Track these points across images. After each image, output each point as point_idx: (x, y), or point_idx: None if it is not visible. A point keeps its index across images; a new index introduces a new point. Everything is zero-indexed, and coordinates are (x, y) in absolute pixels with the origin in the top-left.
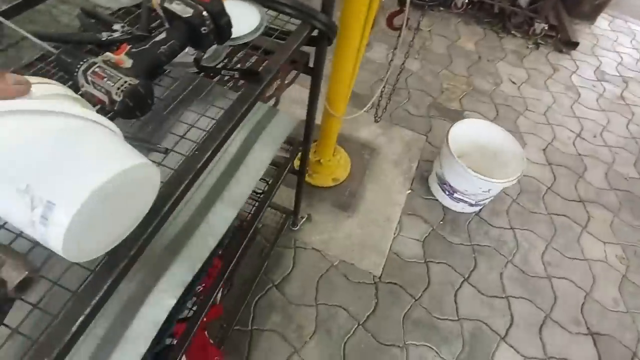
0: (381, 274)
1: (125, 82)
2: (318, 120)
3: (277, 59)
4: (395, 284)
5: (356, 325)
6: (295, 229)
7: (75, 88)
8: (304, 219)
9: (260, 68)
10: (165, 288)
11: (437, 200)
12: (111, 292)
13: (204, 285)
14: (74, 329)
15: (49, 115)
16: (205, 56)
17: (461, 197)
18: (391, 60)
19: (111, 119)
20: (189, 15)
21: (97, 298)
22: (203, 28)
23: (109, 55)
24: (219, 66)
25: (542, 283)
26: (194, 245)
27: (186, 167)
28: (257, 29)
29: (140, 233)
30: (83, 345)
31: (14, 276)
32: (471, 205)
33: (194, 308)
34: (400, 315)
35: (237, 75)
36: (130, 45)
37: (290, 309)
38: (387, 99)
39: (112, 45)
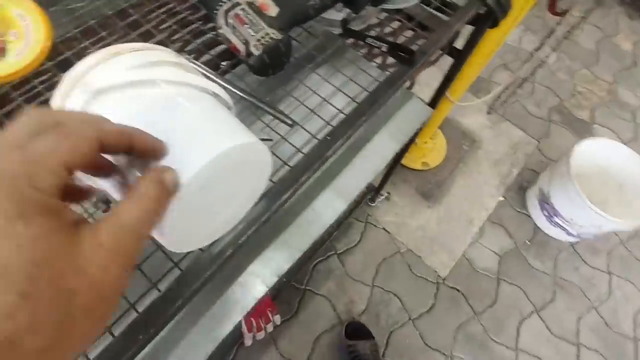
0: (446, 276)
1: (268, 34)
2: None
3: (436, 39)
4: (458, 290)
5: (407, 319)
6: (372, 204)
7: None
8: (383, 197)
9: (406, 44)
10: (258, 273)
11: (530, 217)
12: (215, 274)
13: None
14: (172, 309)
15: (143, 87)
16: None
17: (561, 224)
18: (537, 49)
19: (233, 66)
20: None
21: (201, 280)
22: None
23: None
24: (365, 31)
25: (626, 344)
26: (295, 232)
27: (316, 152)
28: None
29: (253, 220)
30: None
31: None
32: (569, 234)
33: None
34: (455, 324)
35: (384, 49)
36: None
37: (346, 281)
38: (512, 92)
39: None
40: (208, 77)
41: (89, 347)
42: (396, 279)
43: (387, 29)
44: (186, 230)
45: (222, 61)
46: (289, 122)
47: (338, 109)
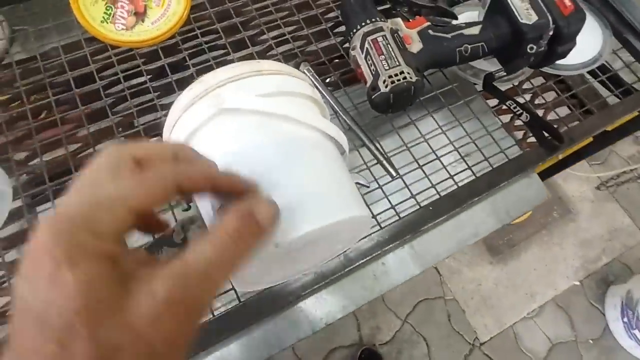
0: (485, 342)
1: (402, 73)
2: None
3: (590, 127)
4: None
5: None
6: None
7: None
8: None
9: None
10: (309, 313)
11: (603, 315)
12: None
13: None
14: (220, 338)
15: (270, 118)
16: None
17: None
18: None
19: (348, 82)
20: (528, 22)
21: (255, 319)
22: (531, 46)
23: (399, 23)
24: (508, 91)
25: None
26: (356, 283)
27: (413, 220)
28: (587, 63)
29: (321, 277)
30: None
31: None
32: None
33: None
34: None
35: (524, 119)
36: (429, 23)
37: (379, 307)
38: (636, 175)
39: (403, 5)
40: (326, 98)
41: None
42: (431, 325)
43: (530, 92)
44: (259, 274)
45: (337, 71)
46: (393, 173)
47: (448, 173)
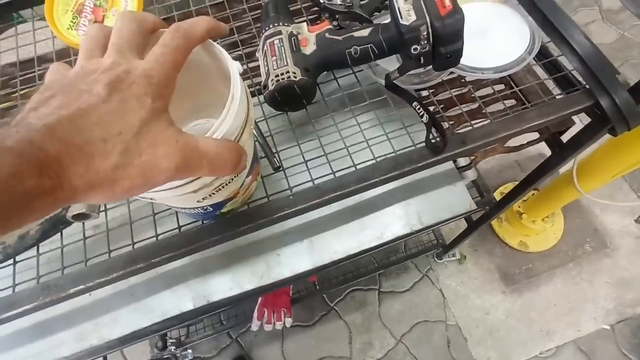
0: None
1: (287, 72)
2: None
3: (497, 129)
4: None
5: None
6: (439, 261)
7: None
8: (455, 258)
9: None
10: (194, 289)
11: None
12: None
13: None
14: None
15: None
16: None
17: None
18: None
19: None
20: (406, 23)
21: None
22: (414, 47)
23: (301, 28)
24: (416, 92)
25: None
26: (247, 268)
27: (276, 205)
28: (509, 65)
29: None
30: None
31: (76, 206)
32: None
33: None
34: None
35: (424, 120)
36: (331, 27)
37: (375, 322)
38: None
39: (325, 11)
40: None
41: None
42: (427, 348)
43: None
44: None
45: None
46: (276, 164)
47: (353, 164)
